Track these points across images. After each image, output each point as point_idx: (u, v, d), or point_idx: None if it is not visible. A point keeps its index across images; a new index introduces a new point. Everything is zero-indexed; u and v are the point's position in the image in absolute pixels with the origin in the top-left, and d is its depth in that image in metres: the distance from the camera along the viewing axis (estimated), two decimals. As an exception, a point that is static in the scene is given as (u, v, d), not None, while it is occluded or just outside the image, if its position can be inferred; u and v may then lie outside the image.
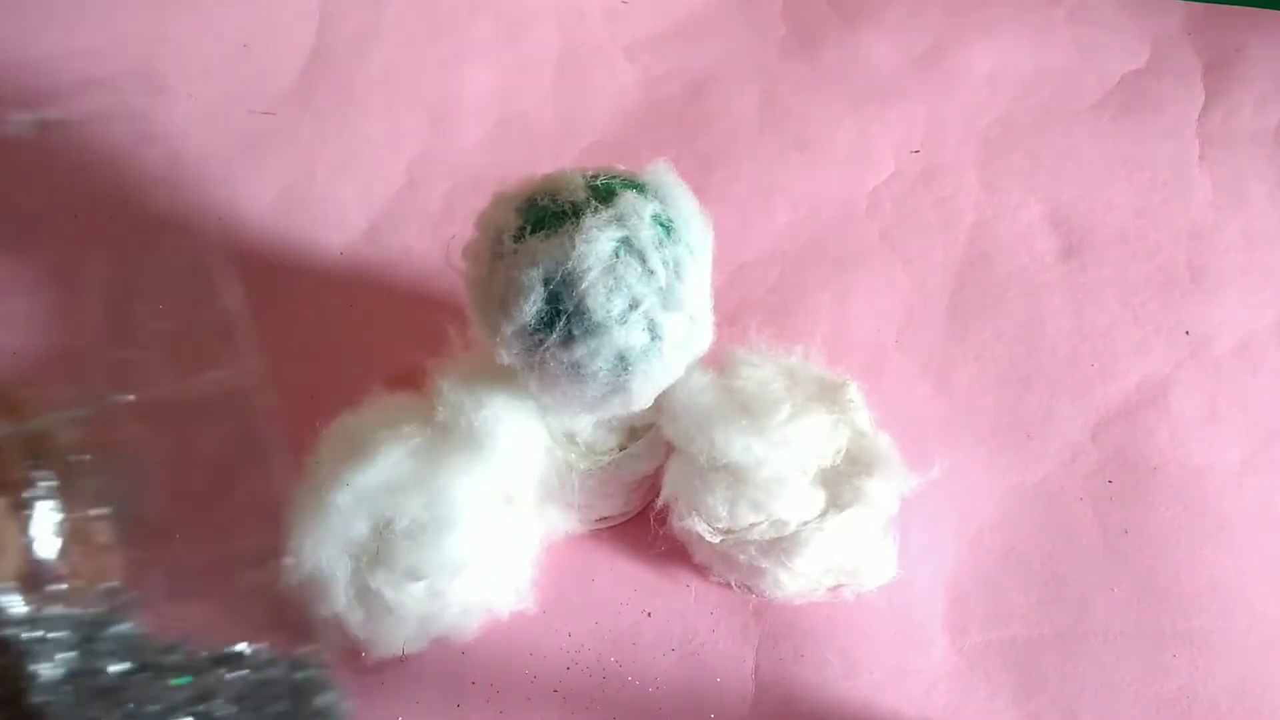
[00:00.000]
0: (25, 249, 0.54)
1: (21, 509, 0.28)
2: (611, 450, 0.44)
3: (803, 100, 0.61)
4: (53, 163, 0.56)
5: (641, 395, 0.39)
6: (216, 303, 0.46)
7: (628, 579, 0.46)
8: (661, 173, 0.39)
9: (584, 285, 0.35)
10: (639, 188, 0.38)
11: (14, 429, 0.28)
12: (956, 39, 0.63)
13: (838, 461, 0.43)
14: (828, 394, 0.43)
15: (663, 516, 0.44)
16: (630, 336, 0.36)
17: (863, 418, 0.44)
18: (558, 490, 0.44)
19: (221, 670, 0.32)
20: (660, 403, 0.42)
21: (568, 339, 0.36)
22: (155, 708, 0.29)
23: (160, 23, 0.60)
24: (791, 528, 0.41)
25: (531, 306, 0.36)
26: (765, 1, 0.64)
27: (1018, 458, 0.50)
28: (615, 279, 0.36)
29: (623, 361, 0.37)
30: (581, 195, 0.37)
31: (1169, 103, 0.60)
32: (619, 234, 0.36)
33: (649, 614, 0.45)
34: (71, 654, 0.28)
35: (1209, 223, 0.56)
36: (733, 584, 0.45)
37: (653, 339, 0.37)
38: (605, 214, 0.36)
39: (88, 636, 0.29)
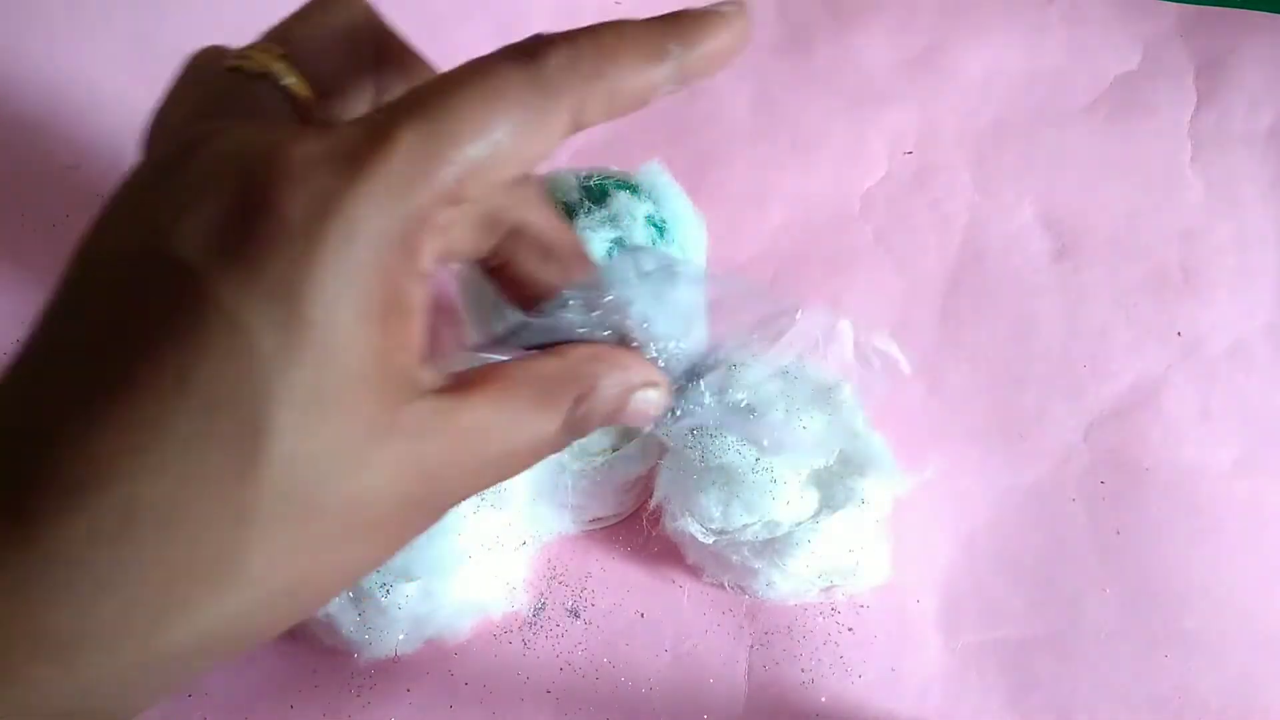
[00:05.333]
0: (19, 248, 0.54)
1: None
2: (604, 451, 0.44)
3: (796, 101, 0.61)
4: (45, 162, 0.56)
5: (635, 396, 0.39)
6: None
7: (621, 580, 0.46)
8: (655, 173, 0.40)
9: (577, 286, 0.35)
10: (632, 188, 0.38)
11: None
12: (949, 40, 0.63)
13: (831, 462, 0.43)
14: (822, 394, 0.43)
15: (656, 517, 0.44)
16: (623, 337, 0.36)
17: (856, 418, 0.44)
18: (551, 491, 0.44)
19: None
20: (653, 403, 0.42)
21: (561, 339, 0.36)
22: None
23: (153, 21, 0.60)
24: (785, 528, 0.41)
25: (525, 307, 0.36)
26: (759, 2, 0.64)
27: (1010, 458, 0.50)
28: (608, 279, 0.36)
29: (616, 362, 0.37)
30: (575, 196, 0.37)
31: (1161, 104, 0.61)
32: (612, 234, 0.36)
33: (642, 615, 0.45)
34: None
35: (1201, 224, 0.56)
36: (726, 585, 0.45)
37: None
38: (598, 214, 0.36)
39: None
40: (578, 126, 0.22)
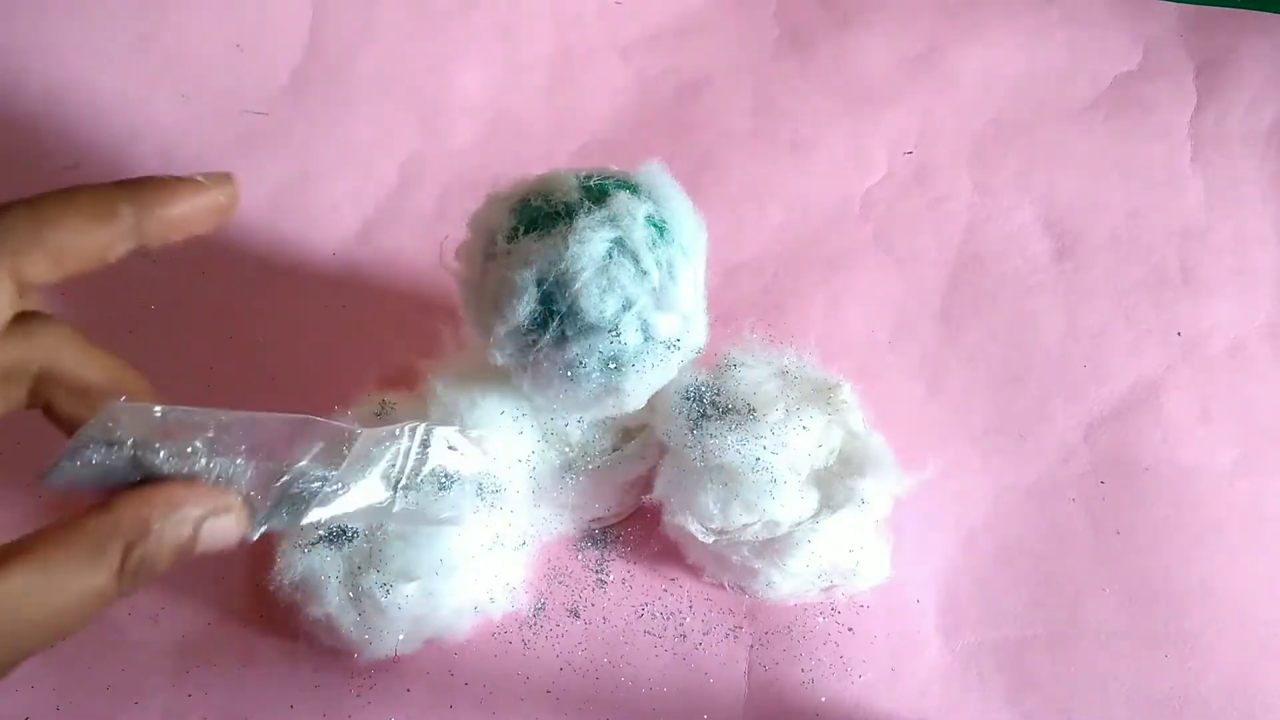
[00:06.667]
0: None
1: None
2: (605, 451, 0.44)
3: (796, 101, 0.61)
4: (45, 162, 0.56)
5: (634, 396, 0.39)
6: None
7: (620, 580, 0.46)
8: (655, 173, 0.39)
9: (577, 286, 0.35)
10: (632, 188, 0.38)
11: None
12: (949, 40, 0.63)
13: (831, 462, 0.43)
14: (821, 394, 0.43)
15: (656, 516, 0.44)
16: (623, 337, 0.36)
17: (856, 418, 0.44)
18: (551, 491, 0.44)
19: None
20: (653, 403, 0.42)
21: (561, 339, 0.36)
22: None
23: (153, 21, 0.60)
24: (784, 528, 0.41)
25: (525, 307, 0.36)
26: (759, 3, 0.64)
27: (1010, 458, 0.50)
28: (608, 279, 0.36)
29: (616, 362, 0.37)
30: (575, 196, 0.37)
31: (1161, 104, 0.61)
32: (612, 234, 0.36)
33: (641, 614, 0.45)
34: None
35: (1201, 224, 0.56)
36: (726, 584, 0.45)
37: (646, 339, 0.37)
38: (598, 214, 0.36)
39: None
40: (26, 285, 0.24)
